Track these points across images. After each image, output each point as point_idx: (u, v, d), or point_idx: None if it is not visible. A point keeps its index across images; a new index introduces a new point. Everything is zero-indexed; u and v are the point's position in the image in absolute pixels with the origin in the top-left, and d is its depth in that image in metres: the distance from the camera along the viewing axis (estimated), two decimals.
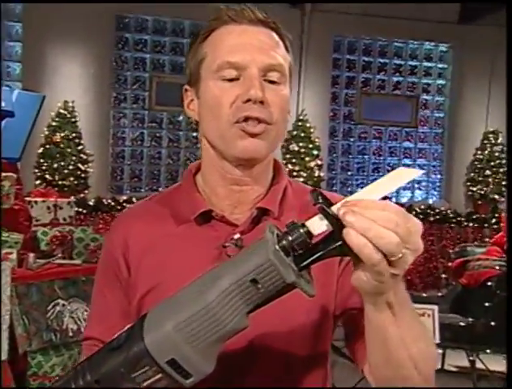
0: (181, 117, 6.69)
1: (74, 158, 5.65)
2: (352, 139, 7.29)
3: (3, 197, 3.01)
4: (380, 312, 0.60)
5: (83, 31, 5.71)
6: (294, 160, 6.39)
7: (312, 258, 0.55)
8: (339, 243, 0.53)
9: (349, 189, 7.28)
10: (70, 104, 5.68)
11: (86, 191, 5.82)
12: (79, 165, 5.70)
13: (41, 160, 5.57)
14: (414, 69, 7.51)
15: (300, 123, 6.47)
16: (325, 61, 6.84)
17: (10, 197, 3.05)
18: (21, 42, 5.85)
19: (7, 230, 2.95)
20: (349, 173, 7.32)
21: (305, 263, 0.55)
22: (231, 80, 0.78)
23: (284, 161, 6.45)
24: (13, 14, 5.84)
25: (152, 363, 0.56)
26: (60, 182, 5.56)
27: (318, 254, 0.55)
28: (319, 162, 6.46)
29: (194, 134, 6.66)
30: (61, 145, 5.59)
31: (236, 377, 0.77)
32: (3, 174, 3.03)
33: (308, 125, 6.47)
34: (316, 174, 6.44)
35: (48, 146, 5.57)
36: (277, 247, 0.53)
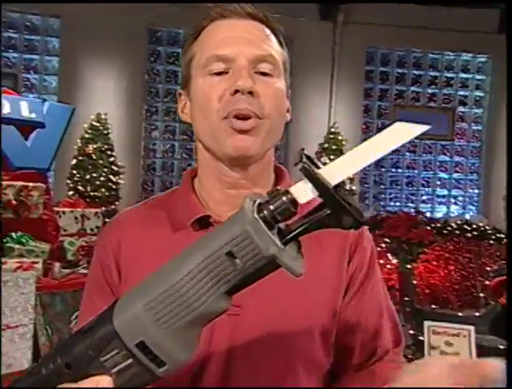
0: None
1: (105, 170, 5.71)
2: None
3: (32, 207, 3.03)
4: None
5: (116, 45, 5.81)
6: None
7: (297, 231, 0.46)
8: (327, 213, 0.45)
9: (382, 203, 7.12)
10: (103, 117, 5.76)
11: (117, 202, 5.86)
12: (111, 177, 5.75)
13: (74, 172, 5.65)
14: (450, 80, 7.33)
15: (331, 136, 6.38)
16: (357, 73, 6.75)
17: (39, 207, 3.07)
18: (58, 56, 5.99)
19: (35, 239, 2.97)
20: (382, 186, 7.17)
21: (289, 236, 0.46)
22: (219, 74, 0.74)
23: None
24: (51, 29, 6.01)
25: (121, 346, 0.51)
26: (92, 193, 5.62)
27: (305, 225, 0.46)
28: (351, 175, 6.34)
29: None
30: (94, 157, 5.66)
31: (235, 375, 0.71)
32: (32, 184, 3.06)
33: (340, 137, 6.37)
34: (347, 188, 6.32)
35: (81, 157, 5.65)
36: (255, 216, 0.46)
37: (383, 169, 7.14)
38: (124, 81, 6.05)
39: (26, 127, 3.16)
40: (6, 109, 3.06)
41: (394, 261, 3.96)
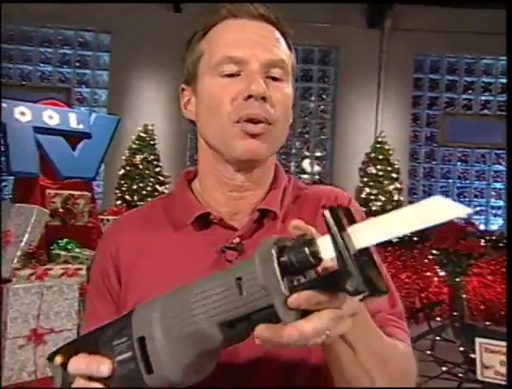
0: None
1: (152, 179, 5.82)
2: (434, 162, 6.92)
3: (78, 214, 3.11)
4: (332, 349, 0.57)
5: (162, 57, 5.93)
6: (372, 184, 6.16)
7: (303, 284, 0.45)
8: (337, 275, 0.43)
9: None
10: (150, 128, 5.90)
11: None
12: (157, 186, 5.86)
13: (122, 181, 5.79)
14: (505, 87, 7.03)
15: (378, 145, 6.25)
16: (405, 81, 6.59)
17: (85, 215, 3.15)
18: (108, 70, 6.19)
19: (80, 246, 3.05)
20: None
21: (297, 287, 0.45)
22: (231, 76, 0.73)
23: (362, 184, 6.24)
24: (102, 44, 6.22)
25: (130, 335, 0.54)
26: (138, 203, 5.73)
27: (311, 282, 0.45)
28: (398, 185, 6.17)
29: None
30: (141, 167, 5.79)
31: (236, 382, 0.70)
32: (79, 193, 3.14)
33: (387, 147, 6.23)
34: (395, 198, 6.15)
35: (128, 168, 5.79)
36: (273, 252, 0.45)
37: (433, 180, 6.91)
38: (170, 92, 6.17)
39: (73, 138, 3.26)
40: (56, 121, 3.17)
41: (442, 273, 3.80)
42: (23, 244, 2.76)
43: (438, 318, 4.76)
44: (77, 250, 3.00)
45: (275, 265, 0.45)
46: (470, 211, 0.42)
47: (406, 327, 0.76)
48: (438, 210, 0.42)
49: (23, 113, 3.04)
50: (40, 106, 3.17)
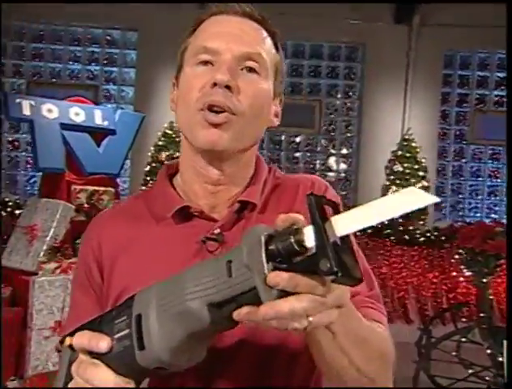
0: (282, 137, 6.67)
1: None
2: (464, 160, 6.76)
3: (102, 210, 3.17)
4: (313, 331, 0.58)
5: None
6: (398, 182, 6.06)
7: (283, 266, 0.48)
8: (311, 254, 0.47)
9: (460, 213, 6.74)
10: (175, 125, 5.92)
11: None
12: None
13: (148, 178, 5.84)
14: None
15: (405, 143, 6.14)
16: (434, 78, 6.45)
17: None
18: (135, 68, 6.26)
19: None
20: (460, 196, 6.78)
21: (276, 268, 0.48)
22: (205, 64, 0.76)
23: (388, 182, 6.15)
24: (129, 42, 6.30)
25: (129, 314, 0.58)
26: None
27: (293, 267, 0.48)
28: (425, 184, 6.05)
29: (296, 154, 6.62)
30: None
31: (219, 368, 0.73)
32: (103, 188, 3.20)
33: (414, 144, 6.11)
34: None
35: (154, 164, 5.84)
36: (262, 239, 0.48)
37: (462, 178, 6.76)
38: None
39: (98, 134, 3.32)
40: (82, 117, 3.24)
41: (468, 273, 3.72)
42: (48, 238, 2.83)
43: (464, 319, 4.66)
44: None
45: (262, 249, 0.47)
46: (438, 200, 0.46)
47: (383, 309, 0.78)
48: (410, 198, 0.45)
49: (50, 110, 3.12)
50: (66, 103, 3.25)
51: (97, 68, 6.28)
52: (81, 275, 0.82)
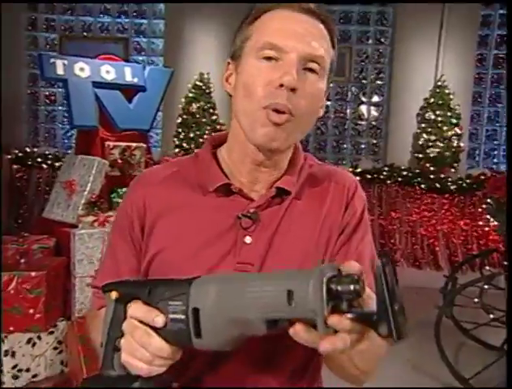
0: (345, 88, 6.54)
1: (208, 127, 5.93)
2: (500, 105, 6.57)
3: (135, 165, 3.32)
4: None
5: (216, 5, 5.90)
6: (430, 130, 5.97)
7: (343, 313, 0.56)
8: (373, 319, 0.54)
9: (495, 159, 6.62)
10: (206, 76, 5.95)
11: None
12: (213, 134, 5.97)
13: (179, 130, 5.94)
14: None
15: (438, 90, 5.99)
16: (471, 19, 6.18)
17: (141, 165, 3.35)
18: (164, 19, 6.25)
19: None
20: (496, 142, 6.64)
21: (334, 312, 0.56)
22: (269, 59, 0.79)
23: (419, 130, 6.07)
24: None
25: (186, 303, 0.65)
26: (196, 150, 5.90)
27: (351, 314, 0.56)
28: (459, 131, 5.95)
29: (327, 103, 6.56)
30: (197, 115, 5.91)
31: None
32: (135, 144, 3.33)
33: (447, 91, 5.96)
34: (455, 144, 5.95)
35: (185, 116, 5.92)
36: (324, 280, 0.55)
37: (497, 124, 6.59)
38: (224, 41, 6.14)
39: (129, 91, 3.42)
40: (112, 75, 3.33)
41: (494, 223, 3.74)
42: (86, 192, 3.00)
43: (491, 267, 4.70)
44: None
45: (324, 292, 0.55)
46: None
47: None
48: None
49: (82, 69, 3.22)
50: (97, 61, 3.33)
51: (127, 20, 6.31)
52: (123, 224, 0.89)
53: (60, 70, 3.13)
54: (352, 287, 0.54)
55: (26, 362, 2.49)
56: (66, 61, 3.17)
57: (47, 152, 6.10)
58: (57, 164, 6.01)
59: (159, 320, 0.67)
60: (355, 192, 0.91)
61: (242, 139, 0.85)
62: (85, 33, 6.32)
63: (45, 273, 2.47)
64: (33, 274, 2.46)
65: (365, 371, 0.80)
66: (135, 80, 3.41)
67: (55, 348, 2.58)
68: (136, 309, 0.69)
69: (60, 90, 6.37)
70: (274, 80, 0.77)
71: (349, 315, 0.55)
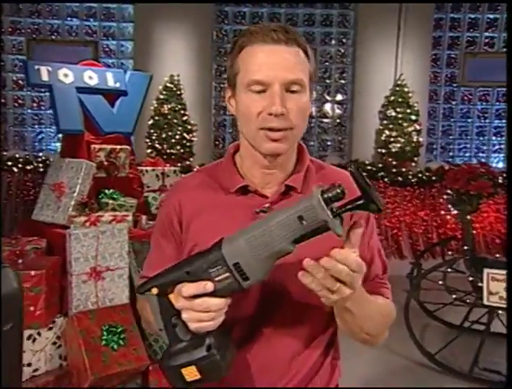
0: None
1: (180, 128, 6.07)
2: (454, 102, 6.99)
3: (120, 166, 3.44)
4: (339, 311, 0.92)
5: (185, 7, 6.03)
6: (391, 126, 6.32)
7: (343, 209, 0.77)
8: (362, 202, 0.76)
9: (451, 153, 7.04)
10: (176, 78, 6.08)
11: (191, 159, 6.23)
12: (185, 135, 6.10)
13: (151, 131, 6.04)
14: None
15: (397, 88, 6.34)
16: (425, 22, 6.56)
17: (126, 166, 3.47)
18: (133, 22, 6.32)
19: (124, 195, 3.39)
20: (451, 137, 7.06)
21: (337, 211, 0.77)
22: (259, 92, 0.96)
23: (381, 127, 6.40)
24: None
25: (224, 264, 0.81)
26: (168, 151, 6.03)
27: (346, 207, 0.77)
28: (418, 127, 6.32)
29: None
30: (169, 116, 6.03)
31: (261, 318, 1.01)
32: (120, 147, 3.45)
33: (406, 89, 6.32)
34: (414, 139, 6.32)
35: (157, 117, 6.03)
36: (319, 197, 0.76)
37: (452, 120, 7.01)
38: (194, 42, 6.29)
39: (111, 95, 3.53)
40: (95, 80, 3.43)
41: (454, 212, 4.08)
42: (75, 194, 3.10)
43: (451, 253, 5.08)
44: (122, 199, 3.33)
45: (323, 203, 0.75)
46: None
47: (389, 284, 1.11)
48: None
49: (66, 75, 3.31)
50: (80, 67, 3.43)
51: (95, 24, 6.35)
52: (164, 225, 1.08)
53: (45, 77, 3.21)
54: (337, 190, 0.75)
55: (27, 357, 2.60)
56: (50, 68, 3.25)
57: (17, 155, 6.09)
58: (27, 167, 6.02)
59: (209, 286, 0.82)
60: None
61: (250, 151, 1.04)
62: (53, 36, 6.31)
63: (44, 272, 2.59)
64: (33, 273, 2.58)
65: (374, 335, 1.01)
66: (117, 85, 3.52)
67: (54, 343, 2.70)
68: (188, 288, 0.83)
69: (29, 93, 6.36)
70: (264, 109, 0.94)
71: (348, 207, 0.77)
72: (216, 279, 0.82)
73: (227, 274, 0.82)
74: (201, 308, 0.83)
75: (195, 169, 6.35)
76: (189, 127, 6.15)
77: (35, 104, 6.41)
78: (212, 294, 0.83)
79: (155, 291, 0.86)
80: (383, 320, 1.03)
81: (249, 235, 0.80)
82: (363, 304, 0.91)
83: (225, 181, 1.06)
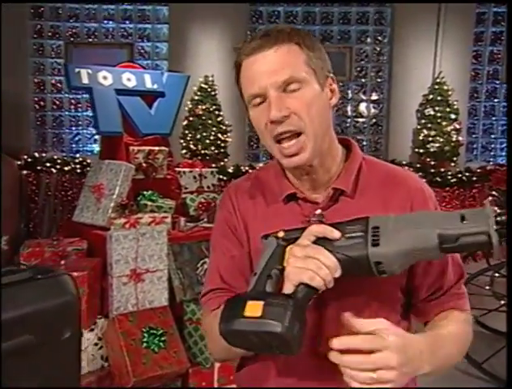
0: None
1: (214, 129, 6.06)
2: (496, 100, 6.76)
3: (158, 168, 3.44)
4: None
5: (219, 7, 6.02)
6: (430, 125, 6.16)
7: (502, 231, 0.75)
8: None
9: (492, 153, 6.82)
10: (210, 79, 6.07)
11: (225, 159, 6.22)
12: (219, 135, 6.09)
13: (186, 132, 6.06)
14: None
15: (436, 86, 6.17)
16: (467, 17, 6.36)
17: (164, 168, 3.47)
18: (167, 24, 6.36)
19: (162, 197, 3.38)
20: (493, 136, 6.83)
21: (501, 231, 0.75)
22: (260, 104, 0.93)
23: (419, 126, 6.25)
24: None
25: (364, 224, 0.81)
26: (202, 152, 6.03)
27: (502, 231, 0.75)
28: (457, 126, 6.14)
29: None
30: (203, 117, 6.03)
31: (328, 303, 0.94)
32: (158, 148, 3.46)
33: (445, 87, 6.15)
34: (454, 139, 6.14)
35: (191, 118, 6.04)
36: (491, 210, 0.75)
37: (494, 118, 6.79)
38: (228, 42, 6.27)
39: (149, 97, 3.54)
40: (133, 82, 3.45)
41: None
42: (115, 196, 3.12)
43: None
44: (160, 200, 3.33)
45: (492, 217, 0.75)
46: None
47: (465, 290, 1.02)
48: None
49: (105, 77, 3.33)
50: (118, 69, 3.45)
51: (131, 26, 6.41)
52: (224, 227, 1.04)
53: (85, 79, 3.24)
54: (503, 216, 0.74)
55: None
56: (90, 71, 3.28)
57: (55, 157, 6.20)
58: (65, 168, 6.12)
59: (337, 233, 0.81)
60: (422, 195, 0.98)
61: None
62: (90, 39, 6.41)
63: (86, 273, 2.60)
64: (75, 274, 2.59)
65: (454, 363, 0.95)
66: (155, 86, 3.52)
67: (95, 344, 2.71)
68: (316, 227, 0.83)
69: (66, 95, 6.47)
70: (267, 120, 0.91)
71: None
72: (348, 235, 0.81)
73: (360, 233, 0.80)
74: (311, 252, 0.80)
75: (230, 170, 6.38)
76: (223, 128, 6.13)
77: (72, 107, 6.51)
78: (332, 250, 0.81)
79: (281, 234, 0.86)
80: (462, 350, 0.97)
81: (401, 215, 0.82)
82: (434, 358, 0.84)
83: (274, 188, 1.02)
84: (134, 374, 2.48)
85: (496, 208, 0.76)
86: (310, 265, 0.78)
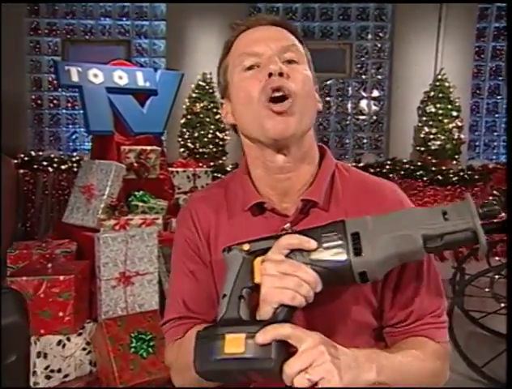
0: (329, 82, 6.58)
1: (212, 127, 5.98)
2: (499, 97, 6.65)
3: (150, 168, 3.37)
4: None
5: (217, 4, 5.94)
6: (431, 123, 6.05)
7: (487, 228, 0.71)
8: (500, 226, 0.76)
9: (495, 150, 6.71)
10: (208, 76, 5.99)
11: (224, 158, 6.14)
12: (217, 133, 6.02)
13: (184, 130, 5.98)
14: None
15: (438, 83, 6.07)
16: (469, 13, 6.25)
17: (156, 168, 3.40)
18: (165, 20, 6.28)
19: (154, 197, 3.32)
20: (495, 133, 6.73)
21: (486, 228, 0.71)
22: (251, 68, 0.86)
23: (420, 124, 6.15)
24: None
25: (341, 230, 0.74)
26: (200, 150, 5.96)
27: (487, 227, 0.71)
28: (459, 123, 6.04)
29: (327, 98, 6.60)
30: (201, 115, 5.96)
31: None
32: (150, 148, 3.39)
33: (447, 84, 6.04)
34: (455, 136, 6.04)
35: (189, 116, 5.96)
36: (472, 202, 0.73)
37: (497, 115, 6.68)
38: (226, 37, 6.16)
39: (141, 95, 3.46)
40: (125, 80, 3.38)
41: (502, 214, 3.83)
42: (105, 197, 3.05)
43: (497, 258, 4.81)
44: (152, 201, 3.27)
45: (475, 212, 0.72)
46: None
47: (445, 319, 0.92)
48: None
49: (95, 75, 3.26)
50: (110, 67, 3.38)
51: (128, 23, 6.34)
52: (184, 247, 0.94)
53: (75, 77, 3.18)
54: (494, 207, 0.72)
55: (57, 363, 2.56)
56: (80, 68, 3.21)
57: (52, 155, 6.14)
58: (62, 166, 6.06)
59: (313, 244, 0.73)
60: (399, 204, 0.90)
61: (257, 151, 0.89)
62: (87, 36, 6.34)
63: (73, 277, 2.54)
64: (61, 278, 2.53)
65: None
66: (147, 84, 3.46)
67: (83, 349, 2.65)
68: (290, 238, 0.75)
69: (63, 93, 6.40)
70: (262, 78, 0.84)
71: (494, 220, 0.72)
72: (325, 244, 0.74)
73: (339, 242, 0.73)
74: (288, 269, 0.72)
75: (228, 168, 6.30)
76: (221, 126, 6.05)
77: (69, 105, 6.45)
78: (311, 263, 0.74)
79: (246, 247, 0.77)
80: (421, 380, 0.85)
81: (379, 216, 0.75)
82: (397, 374, 0.80)
83: (239, 197, 0.92)
84: (121, 381, 2.42)
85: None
86: (289, 284, 0.71)
